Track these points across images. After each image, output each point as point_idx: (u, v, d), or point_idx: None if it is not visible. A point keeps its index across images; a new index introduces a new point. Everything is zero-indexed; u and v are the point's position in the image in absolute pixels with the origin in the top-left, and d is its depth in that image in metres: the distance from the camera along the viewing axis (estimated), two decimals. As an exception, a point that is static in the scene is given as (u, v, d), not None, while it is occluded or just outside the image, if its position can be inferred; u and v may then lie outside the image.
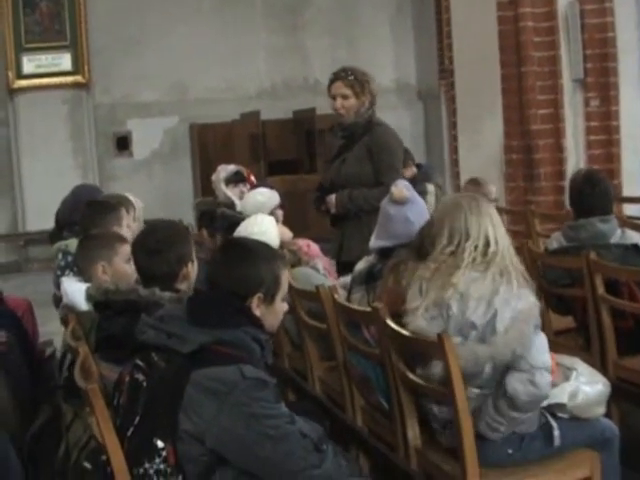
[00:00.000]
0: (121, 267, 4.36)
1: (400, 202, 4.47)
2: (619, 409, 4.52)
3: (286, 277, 3.33)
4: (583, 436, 3.65)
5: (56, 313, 5.58)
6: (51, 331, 5.83)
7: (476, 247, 3.59)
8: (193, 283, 3.89)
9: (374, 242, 4.55)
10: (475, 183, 6.62)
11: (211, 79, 13.32)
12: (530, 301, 3.52)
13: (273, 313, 3.25)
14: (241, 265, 3.20)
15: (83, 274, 4.46)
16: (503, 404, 3.45)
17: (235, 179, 6.90)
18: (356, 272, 4.60)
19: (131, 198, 5.76)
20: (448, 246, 3.64)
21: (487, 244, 3.60)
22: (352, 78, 5.83)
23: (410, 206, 4.48)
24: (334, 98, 5.90)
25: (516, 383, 3.42)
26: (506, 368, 3.44)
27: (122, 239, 4.56)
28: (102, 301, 3.74)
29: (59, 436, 3.80)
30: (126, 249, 4.33)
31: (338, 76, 5.90)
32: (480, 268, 3.56)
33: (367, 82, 5.84)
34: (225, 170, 7.01)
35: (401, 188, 4.54)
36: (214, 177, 7.02)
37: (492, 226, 3.63)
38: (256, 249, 3.33)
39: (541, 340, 3.51)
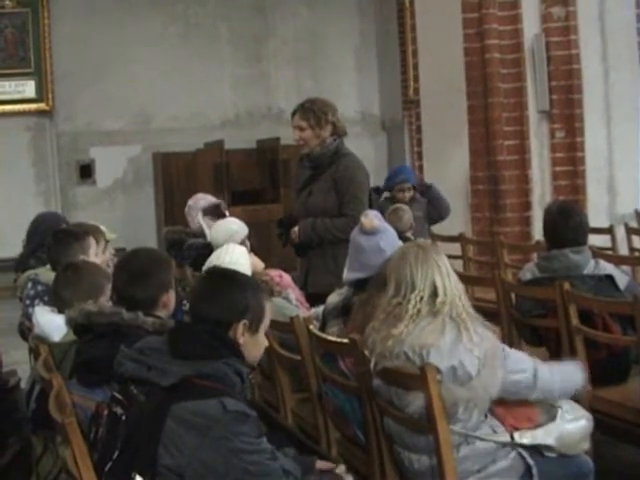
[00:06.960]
0: None
1: (371, 232, 4.43)
2: (593, 440, 4.50)
3: (270, 309, 3.28)
4: (562, 472, 3.63)
5: (19, 342, 5.51)
6: (14, 360, 5.72)
7: (422, 298, 3.55)
8: (171, 311, 3.85)
9: (347, 274, 4.48)
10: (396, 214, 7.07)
11: (175, 108, 13.27)
12: (492, 342, 3.53)
13: (256, 344, 3.19)
14: (227, 290, 3.15)
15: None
16: None
17: (214, 212, 6.76)
18: (330, 305, 4.53)
19: (102, 228, 5.66)
20: (395, 297, 3.61)
21: (434, 294, 3.55)
22: (309, 110, 5.83)
23: (381, 235, 4.44)
24: (295, 130, 5.91)
25: None
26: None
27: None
28: (84, 324, 3.62)
29: (29, 469, 3.73)
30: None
31: (297, 108, 5.92)
32: (428, 318, 3.53)
33: (325, 114, 5.81)
34: (205, 200, 6.86)
35: (371, 218, 4.50)
36: (191, 203, 6.86)
37: (440, 276, 3.57)
38: (242, 277, 3.31)
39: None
